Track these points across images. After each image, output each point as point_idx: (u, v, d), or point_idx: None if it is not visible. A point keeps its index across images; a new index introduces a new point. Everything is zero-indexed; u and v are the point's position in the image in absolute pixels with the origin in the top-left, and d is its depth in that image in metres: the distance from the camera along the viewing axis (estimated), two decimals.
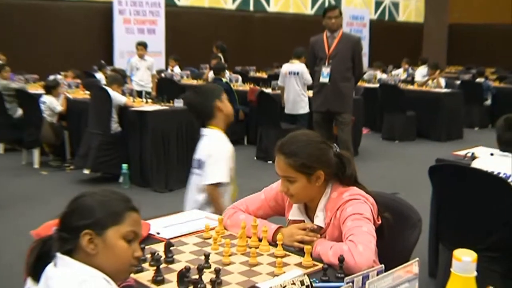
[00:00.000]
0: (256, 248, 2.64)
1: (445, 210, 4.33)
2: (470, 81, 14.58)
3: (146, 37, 16.09)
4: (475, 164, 4.24)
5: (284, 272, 2.38)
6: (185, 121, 8.23)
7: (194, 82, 13.67)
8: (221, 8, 19.61)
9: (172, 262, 2.53)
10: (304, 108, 10.09)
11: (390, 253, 2.66)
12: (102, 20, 16.68)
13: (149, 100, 8.96)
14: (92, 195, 2.03)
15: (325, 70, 7.51)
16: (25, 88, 10.45)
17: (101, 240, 1.94)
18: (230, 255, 2.56)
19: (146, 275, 2.37)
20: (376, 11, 24.82)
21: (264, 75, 15.61)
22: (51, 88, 9.27)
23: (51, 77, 11.15)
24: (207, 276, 2.28)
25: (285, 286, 2.11)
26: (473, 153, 5.01)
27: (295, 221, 2.88)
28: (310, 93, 10.65)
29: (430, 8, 23.61)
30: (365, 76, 13.96)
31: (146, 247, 2.59)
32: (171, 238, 2.76)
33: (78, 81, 11.23)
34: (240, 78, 13.55)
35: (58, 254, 1.94)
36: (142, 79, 11.77)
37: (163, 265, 2.43)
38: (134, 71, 11.77)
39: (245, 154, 9.86)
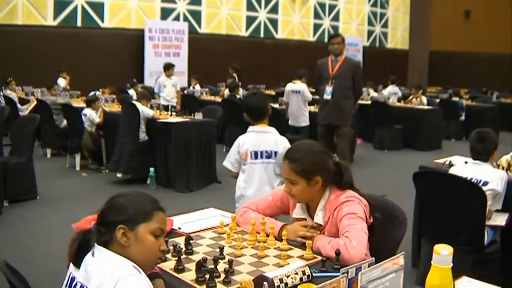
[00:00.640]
0: (264, 242, 2.62)
1: (427, 210, 4.32)
2: (448, 99, 14.54)
3: (171, 59, 16.13)
4: (452, 171, 4.23)
5: (288, 264, 2.36)
6: (204, 131, 8.24)
7: (212, 98, 13.66)
8: (236, 35, 19.65)
9: (192, 253, 2.51)
10: (305, 122, 10.09)
11: (380, 247, 2.64)
12: (135, 45, 16.75)
13: (173, 113, 8.95)
14: (127, 196, 2.06)
15: (328, 89, 7.54)
16: (70, 102, 10.49)
17: (133, 234, 1.97)
18: (241, 248, 2.55)
19: (169, 264, 2.37)
20: (368, 39, 24.84)
21: (272, 92, 15.61)
22: (91, 102, 9.31)
23: (91, 93, 11.21)
24: (222, 266, 2.27)
25: (289, 275, 2.10)
26: (450, 161, 4.99)
27: (298, 219, 2.87)
28: (311, 108, 10.65)
29: (414, 37, 23.67)
30: None
31: (169, 240, 2.58)
32: (191, 233, 2.75)
33: (114, 96, 11.24)
34: None
35: (96, 245, 1.96)
36: (169, 95, 11.77)
37: (183, 256, 2.42)
38: (161, 88, 11.77)
39: None
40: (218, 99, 12.73)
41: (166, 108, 10.30)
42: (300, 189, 2.71)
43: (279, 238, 2.68)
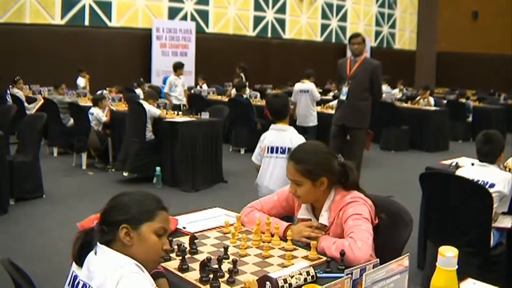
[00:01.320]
0: (269, 242, 2.62)
1: (433, 211, 4.30)
2: (455, 100, 14.51)
3: (178, 58, 16.12)
4: (459, 172, 4.22)
5: (293, 264, 2.35)
6: (210, 130, 8.24)
7: (219, 97, 13.67)
8: (243, 35, 19.66)
9: (196, 253, 2.51)
10: (313, 121, 10.08)
11: (385, 248, 2.63)
12: (142, 44, 16.79)
13: (180, 113, 8.95)
14: (130, 195, 2.06)
15: (345, 89, 7.34)
16: (77, 101, 10.52)
17: (136, 233, 1.97)
18: (246, 248, 2.54)
19: (173, 264, 2.36)
20: (376, 40, 24.82)
21: (279, 92, 15.58)
22: (98, 101, 9.32)
23: (98, 92, 11.23)
24: (226, 265, 2.26)
25: (293, 276, 2.10)
26: (457, 163, 4.97)
27: (303, 220, 2.86)
28: (319, 108, 10.64)
29: (421, 38, 23.63)
30: None
31: (174, 239, 2.57)
32: (196, 232, 2.75)
33: (121, 95, 11.26)
34: (258, 94, 13.55)
35: (98, 244, 1.96)
36: (181, 94, 11.76)
37: (188, 255, 2.42)
38: (173, 87, 11.73)
39: None
40: (225, 99, 12.74)
41: (177, 107, 10.31)
42: (305, 190, 2.71)
43: (283, 238, 2.67)
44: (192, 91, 14.10)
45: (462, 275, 2.00)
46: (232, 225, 2.88)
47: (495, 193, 3.84)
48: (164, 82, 13.67)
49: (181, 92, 11.83)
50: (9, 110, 8.60)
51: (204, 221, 3.04)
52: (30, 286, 2.04)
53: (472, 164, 4.34)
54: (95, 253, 1.95)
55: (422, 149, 11.92)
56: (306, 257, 2.48)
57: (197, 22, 18.22)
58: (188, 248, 2.50)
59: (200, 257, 2.40)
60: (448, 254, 1.87)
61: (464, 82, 20.98)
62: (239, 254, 2.49)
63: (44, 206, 6.92)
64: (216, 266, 2.20)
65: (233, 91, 12.30)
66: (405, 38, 26.35)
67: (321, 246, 2.54)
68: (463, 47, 24.11)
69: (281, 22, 20.90)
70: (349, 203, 2.66)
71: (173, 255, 2.45)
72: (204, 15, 18.58)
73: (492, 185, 3.90)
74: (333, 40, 22.80)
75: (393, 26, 25.75)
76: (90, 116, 9.15)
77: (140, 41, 16.77)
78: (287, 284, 2.05)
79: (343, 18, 23.24)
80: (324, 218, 2.76)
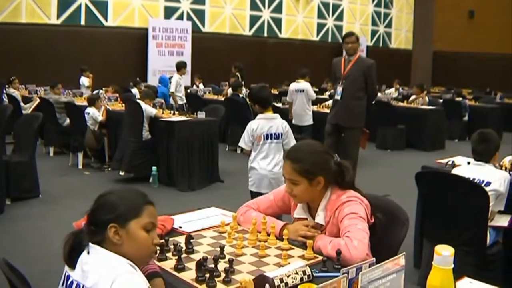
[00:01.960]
0: (265, 241, 2.62)
1: (429, 210, 4.30)
2: (451, 100, 14.51)
3: (175, 58, 16.13)
4: (455, 171, 4.22)
5: (289, 263, 2.35)
6: (206, 130, 8.23)
7: (215, 97, 13.67)
8: (239, 34, 19.66)
9: (192, 252, 2.50)
10: (308, 121, 10.08)
11: (382, 247, 2.63)
12: (138, 43, 16.77)
13: (176, 112, 8.94)
14: (114, 193, 2.05)
15: (339, 89, 7.35)
16: (73, 101, 10.51)
17: (124, 231, 1.96)
18: (242, 248, 2.54)
19: (169, 263, 2.36)
20: (372, 39, 24.84)
21: (275, 91, 15.56)
22: (94, 101, 9.31)
23: (94, 92, 11.21)
24: (222, 265, 2.26)
25: (290, 275, 2.09)
26: (453, 162, 4.97)
27: (299, 219, 2.86)
28: (315, 107, 10.63)
29: (417, 37, 23.66)
30: None
31: (170, 239, 2.57)
32: (192, 232, 2.75)
33: (117, 95, 11.24)
34: None
35: (90, 244, 1.95)
36: (184, 94, 11.75)
37: (184, 255, 2.41)
38: (178, 87, 11.68)
39: None
40: (221, 98, 12.74)
41: (182, 107, 10.29)
42: (302, 189, 2.70)
43: (280, 238, 2.66)
44: (189, 90, 14.08)
45: (458, 274, 2.00)
46: (228, 224, 2.88)
47: (491, 191, 3.84)
48: (160, 81, 13.68)
49: (183, 92, 11.84)
50: (5, 110, 8.58)
51: (200, 220, 3.03)
52: (25, 286, 2.04)
53: (468, 163, 4.34)
54: (88, 252, 1.94)
55: (418, 148, 11.94)
56: (302, 257, 2.48)
57: (193, 21, 18.20)
58: (184, 247, 2.50)
59: (196, 256, 2.39)
60: (444, 253, 1.87)
61: (460, 81, 21.03)
62: (235, 254, 2.48)
63: (41, 206, 6.91)
64: (212, 265, 2.20)
65: (230, 91, 12.29)
66: (401, 38, 26.38)
67: (317, 245, 2.53)
68: (459, 46, 24.15)
69: (277, 22, 20.89)
70: (345, 202, 2.65)
71: (169, 254, 2.45)
72: (200, 14, 18.56)
73: (488, 184, 3.91)
74: (329, 39, 22.80)
75: (389, 25, 25.77)
76: (86, 115, 9.14)
77: (136, 41, 16.75)
78: (283, 284, 2.04)
79: (339, 18, 23.25)
80: (320, 218, 2.75)
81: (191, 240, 2.55)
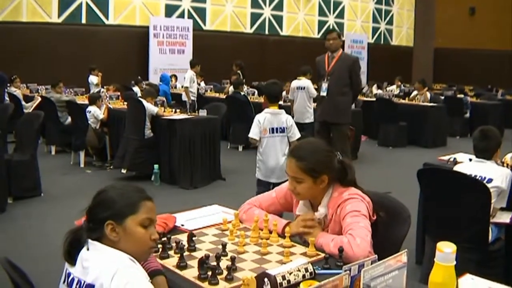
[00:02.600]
0: (267, 239, 2.62)
1: (431, 207, 4.30)
2: (452, 96, 14.51)
3: (176, 56, 16.20)
4: (456, 168, 4.22)
5: (291, 261, 2.35)
6: (208, 128, 8.22)
7: (217, 95, 13.66)
8: (240, 32, 19.65)
9: (194, 250, 2.50)
10: (309, 118, 10.06)
11: (384, 244, 2.64)
12: (139, 42, 16.77)
13: (178, 110, 8.94)
14: (112, 189, 2.05)
15: (324, 85, 7.46)
16: (74, 99, 10.51)
17: (121, 228, 1.96)
18: (244, 245, 2.54)
19: (171, 261, 2.36)
20: (373, 36, 24.81)
21: (276, 80, 15.52)
22: (95, 100, 9.31)
23: (95, 91, 11.20)
24: (224, 263, 2.26)
25: (292, 272, 2.09)
26: (455, 158, 4.97)
27: None
28: (315, 105, 10.61)
29: (418, 34, 23.62)
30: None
31: (172, 237, 2.57)
32: (194, 230, 2.75)
33: (118, 93, 11.23)
34: (256, 91, 13.54)
35: (89, 240, 1.96)
36: (196, 91, 11.73)
37: (186, 253, 2.42)
38: (191, 83, 11.64)
39: None
40: (223, 96, 12.73)
41: (194, 104, 10.26)
42: (306, 187, 2.70)
43: (282, 235, 2.66)
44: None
45: (460, 270, 2.00)
46: (230, 222, 2.88)
47: (493, 188, 3.84)
48: (162, 79, 13.67)
49: (196, 89, 11.81)
50: (7, 109, 8.60)
51: (202, 218, 3.03)
52: (28, 285, 2.04)
53: (470, 160, 4.34)
54: (87, 249, 1.95)
55: (420, 145, 11.94)
56: (304, 254, 2.48)
57: (194, 19, 18.19)
58: (186, 245, 2.50)
59: (199, 254, 2.39)
60: (446, 250, 1.86)
61: (461, 78, 20.99)
62: (237, 251, 2.49)
63: (42, 204, 6.92)
64: (215, 263, 2.19)
65: (231, 88, 12.29)
66: (402, 35, 26.35)
67: (319, 242, 2.54)
68: (461, 43, 24.11)
69: (278, 19, 20.88)
70: (346, 200, 2.66)
71: (171, 252, 2.45)
72: (201, 12, 18.55)
73: (490, 180, 3.90)
74: None
75: (390, 22, 25.74)
76: (87, 114, 9.14)
77: (137, 39, 16.74)
78: (285, 281, 2.04)
79: (340, 15, 23.23)
80: (320, 213, 2.76)
81: (193, 238, 2.55)
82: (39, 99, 10.87)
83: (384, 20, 25.41)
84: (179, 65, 16.32)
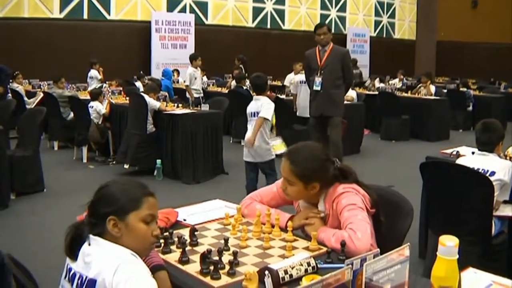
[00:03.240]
0: (269, 233, 2.61)
1: (434, 200, 4.30)
2: (455, 90, 14.48)
3: (178, 51, 16.18)
4: (459, 161, 4.21)
5: (294, 255, 2.34)
6: (210, 122, 8.22)
7: (219, 89, 13.65)
8: (242, 26, 19.63)
9: (196, 245, 2.50)
10: None
11: (387, 238, 2.64)
12: (141, 37, 16.77)
13: (180, 105, 8.93)
14: (114, 184, 2.06)
15: (318, 80, 7.47)
16: (77, 95, 10.52)
17: (123, 224, 1.97)
18: (246, 240, 2.54)
19: (173, 256, 2.36)
20: (375, 30, 24.77)
21: (279, 83, 15.53)
22: (97, 95, 9.32)
23: (98, 86, 11.19)
24: (226, 257, 2.25)
25: (294, 266, 2.09)
26: (458, 152, 4.96)
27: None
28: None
29: (421, 27, 23.52)
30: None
31: (174, 231, 2.57)
32: (196, 224, 2.74)
33: (120, 88, 11.24)
34: None
35: (91, 235, 1.96)
36: (200, 87, 11.68)
37: (188, 248, 2.42)
38: (193, 80, 11.56)
39: None
40: (225, 91, 12.72)
41: (198, 101, 10.22)
42: (296, 190, 2.72)
43: (284, 229, 2.66)
44: None
45: (463, 264, 1.99)
46: (232, 216, 2.88)
47: (496, 181, 3.83)
48: (164, 74, 13.65)
49: (200, 85, 11.74)
50: (9, 104, 8.60)
51: (204, 213, 3.03)
52: (30, 281, 2.04)
53: (473, 153, 4.33)
54: (89, 244, 1.96)
55: (423, 138, 11.91)
56: (306, 248, 2.47)
57: (196, 14, 18.18)
58: (189, 240, 2.49)
59: (201, 249, 2.39)
60: (448, 244, 1.85)
61: (464, 71, 20.95)
62: (240, 246, 2.48)
63: (45, 200, 6.93)
64: (217, 258, 2.19)
65: (233, 83, 12.27)
66: (405, 28, 26.29)
67: (321, 237, 2.53)
68: (463, 36, 24.06)
69: (280, 13, 20.85)
70: (341, 194, 2.65)
71: (173, 247, 2.45)
72: (203, 7, 18.54)
73: (492, 173, 3.89)
74: (333, 30, 22.67)
75: (392, 15, 25.69)
76: (90, 109, 9.15)
77: (139, 34, 16.74)
78: (288, 275, 2.04)
79: (342, 8, 23.19)
80: (321, 211, 2.77)
81: (195, 233, 2.54)
82: (41, 94, 10.89)
83: (386, 13, 25.36)
84: (181, 60, 16.28)
